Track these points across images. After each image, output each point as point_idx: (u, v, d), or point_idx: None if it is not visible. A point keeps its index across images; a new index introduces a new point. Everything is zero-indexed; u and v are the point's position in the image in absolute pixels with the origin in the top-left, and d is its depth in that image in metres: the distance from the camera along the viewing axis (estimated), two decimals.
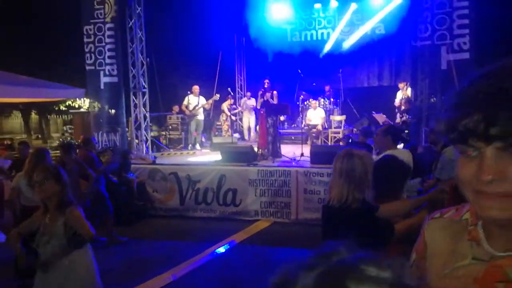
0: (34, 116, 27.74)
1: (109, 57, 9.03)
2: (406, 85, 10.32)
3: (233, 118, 12.42)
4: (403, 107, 10.37)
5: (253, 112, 12.62)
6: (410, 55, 7.49)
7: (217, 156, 8.77)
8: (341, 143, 8.01)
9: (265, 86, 9.25)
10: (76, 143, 14.21)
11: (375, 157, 3.69)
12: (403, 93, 10.44)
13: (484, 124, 0.65)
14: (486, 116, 0.65)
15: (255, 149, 8.85)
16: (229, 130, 12.25)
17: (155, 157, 9.31)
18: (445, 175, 4.05)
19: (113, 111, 9.61)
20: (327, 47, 13.51)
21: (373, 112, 10.79)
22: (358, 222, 2.26)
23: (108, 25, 8.95)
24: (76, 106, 22.67)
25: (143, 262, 5.83)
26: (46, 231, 2.86)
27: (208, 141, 12.15)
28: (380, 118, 10.22)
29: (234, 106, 12.54)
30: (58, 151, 14.22)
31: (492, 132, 0.65)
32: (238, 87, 14.72)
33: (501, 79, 0.67)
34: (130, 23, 9.40)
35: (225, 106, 12.21)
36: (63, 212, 2.86)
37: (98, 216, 6.49)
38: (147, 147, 9.77)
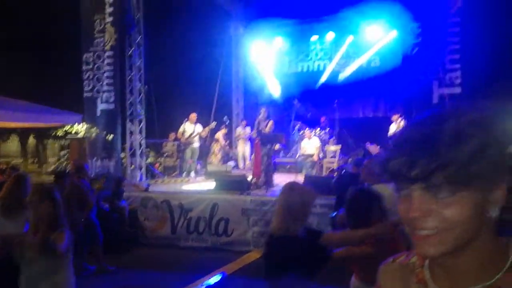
0: (31, 140, 27.74)
1: (107, 84, 9.13)
2: (400, 117, 10.40)
3: (227, 148, 12.40)
4: None
5: (248, 140, 12.66)
6: (404, 88, 7.59)
7: (211, 185, 8.73)
8: (335, 174, 7.99)
9: (261, 115, 9.29)
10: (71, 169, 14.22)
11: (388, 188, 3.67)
12: (397, 125, 10.50)
13: (407, 167, 0.72)
14: (408, 160, 0.72)
15: (249, 178, 8.83)
16: (222, 159, 12.22)
17: (148, 184, 9.26)
18: None
19: (110, 136, 9.63)
20: (323, 78, 13.70)
21: (368, 142, 10.83)
22: (295, 249, 2.42)
23: (107, 53, 9.09)
24: (73, 132, 22.74)
25: None
26: (32, 251, 2.85)
27: (203, 169, 12.12)
28: (374, 149, 10.25)
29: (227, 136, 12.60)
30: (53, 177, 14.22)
31: (413, 174, 0.72)
32: (235, 115, 14.80)
33: (424, 127, 0.75)
34: (130, 51, 9.55)
35: (220, 135, 12.21)
36: (52, 233, 2.86)
37: (88, 244, 6.42)
38: (141, 174, 9.74)
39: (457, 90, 6.48)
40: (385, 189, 3.80)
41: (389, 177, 0.77)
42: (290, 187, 2.67)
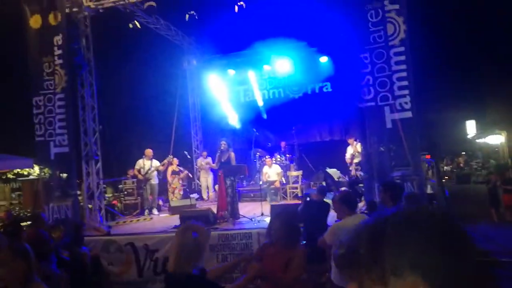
0: None
1: (59, 127, 8.82)
2: (355, 140, 10.77)
3: (178, 183, 12.12)
4: (355, 160, 10.74)
5: (210, 171, 12.60)
6: (357, 114, 7.88)
7: (175, 220, 8.57)
8: (299, 201, 8.08)
9: (222, 147, 9.30)
10: (26, 213, 13.50)
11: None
12: (353, 148, 10.86)
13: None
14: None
15: (214, 210, 8.76)
16: (178, 193, 11.96)
17: (109, 227, 8.94)
18: None
19: (64, 175, 9.26)
20: (279, 105, 13.97)
21: (327, 167, 11.08)
22: (189, 286, 2.69)
23: (58, 96, 8.82)
24: (25, 173, 21.67)
25: None
26: None
27: (166, 204, 11.89)
28: (335, 174, 10.50)
29: (181, 169, 12.35)
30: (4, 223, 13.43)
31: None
32: (194, 147, 14.74)
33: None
34: (82, 92, 9.34)
35: (169, 170, 11.94)
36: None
37: None
38: (101, 217, 9.40)
39: (408, 114, 6.79)
40: (354, 220, 3.94)
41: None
42: (185, 228, 2.85)
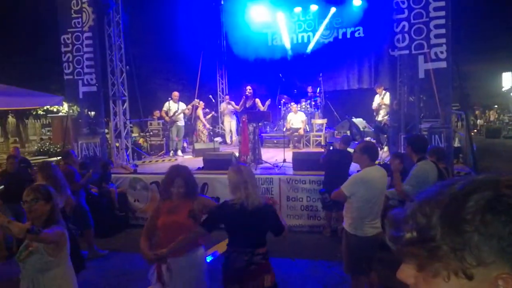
0: (11, 119, 27.15)
1: (87, 66, 8.87)
2: (384, 89, 10.45)
3: (208, 125, 12.26)
4: (382, 111, 10.50)
5: (234, 115, 12.63)
6: (388, 62, 7.57)
7: (199, 162, 8.74)
8: (322, 150, 8.06)
9: (247, 93, 9.23)
10: (56, 149, 14.04)
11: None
12: (381, 97, 10.56)
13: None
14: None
15: (237, 154, 8.86)
16: (206, 136, 12.12)
17: (136, 166, 9.21)
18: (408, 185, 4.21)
19: (92, 113, 9.46)
20: (308, 50, 13.59)
21: (353, 117, 10.91)
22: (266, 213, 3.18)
23: (86, 34, 8.78)
24: (55, 110, 22.28)
25: (124, 276, 5.78)
26: (29, 246, 2.88)
27: (190, 146, 12.10)
28: (360, 123, 10.33)
29: (207, 110, 12.40)
30: (36, 157, 14.05)
31: None
32: (219, 91, 14.69)
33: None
34: (109, 31, 9.27)
35: (200, 112, 12.06)
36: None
37: (79, 230, 6.43)
38: (127, 155, 9.66)
39: (443, 65, 6.48)
40: (374, 173, 3.90)
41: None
42: (240, 166, 3.33)
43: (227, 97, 13.07)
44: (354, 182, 3.92)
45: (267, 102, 9.51)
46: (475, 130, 25.11)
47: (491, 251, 0.65)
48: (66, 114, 10.14)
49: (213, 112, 12.58)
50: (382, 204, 4.04)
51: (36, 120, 30.31)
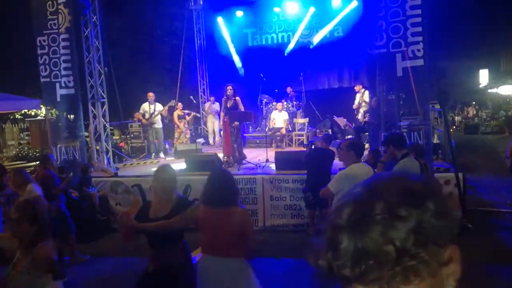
0: None
1: (64, 68, 8.70)
2: (363, 88, 10.56)
3: (184, 127, 11.91)
4: (362, 109, 10.62)
5: (218, 116, 12.57)
6: (367, 61, 7.66)
7: (182, 164, 8.67)
8: (304, 149, 8.10)
9: (228, 93, 9.20)
10: (35, 153, 13.75)
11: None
12: (361, 95, 10.68)
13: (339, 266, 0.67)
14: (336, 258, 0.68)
15: (220, 155, 8.82)
16: (181, 138, 11.81)
17: (117, 169, 9.10)
18: None
19: (71, 116, 9.29)
20: (288, 50, 13.64)
21: (334, 116, 10.99)
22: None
23: (62, 36, 8.61)
24: (33, 114, 21.80)
25: (107, 281, 5.71)
26: (17, 266, 2.82)
27: (172, 147, 11.99)
28: (341, 121, 10.42)
29: (187, 111, 12.17)
30: (15, 162, 13.74)
31: (345, 274, 0.66)
32: (201, 92, 14.61)
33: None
34: (86, 32, 9.13)
35: (175, 115, 11.82)
36: (33, 249, 2.81)
37: (60, 235, 6.31)
38: (108, 159, 9.53)
39: (420, 62, 6.58)
40: (360, 169, 3.94)
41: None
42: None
43: (212, 98, 12.98)
44: (340, 179, 3.95)
45: (239, 101, 9.38)
46: (454, 127, 25.61)
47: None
48: (44, 118, 9.94)
49: (194, 113, 12.46)
50: None
51: (13, 125, 29.59)
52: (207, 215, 3.22)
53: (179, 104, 11.79)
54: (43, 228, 2.88)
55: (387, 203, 0.67)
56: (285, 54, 13.60)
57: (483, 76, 32.28)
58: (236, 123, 8.83)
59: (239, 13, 13.75)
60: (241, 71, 13.86)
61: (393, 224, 0.64)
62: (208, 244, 3.23)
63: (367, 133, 9.33)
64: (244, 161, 8.84)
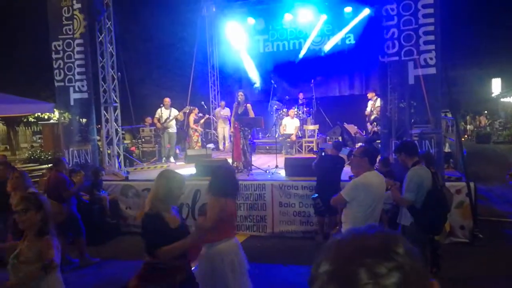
0: (1, 127, 26.92)
1: (78, 73, 8.83)
2: (376, 95, 10.55)
3: (200, 129, 12.14)
4: (373, 116, 10.59)
5: (228, 122, 12.64)
6: (379, 69, 7.65)
7: (192, 169, 8.72)
8: (314, 156, 8.09)
9: (239, 99, 9.25)
10: (47, 156, 13.95)
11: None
12: (373, 103, 10.66)
13: None
14: None
15: (230, 161, 8.85)
16: (199, 141, 12.02)
17: (127, 173, 9.17)
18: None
19: (84, 120, 9.42)
20: (299, 57, 13.67)
21: (345, 123, 10.98)
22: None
23: (77, 41, 8.76)
24: (46, 117, 22.12)
25: (116, 284, 5.73)
26: (21, 255, 2.87)
27: (183, 153, 12.07)
28: (352, 129, 10.40)
29: (200, 115, 12.31)
30: (27, 165, 13.93)
31: None
32: (212, 97, 14.70)
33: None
34: (100, 38, 9.27)
35: (191, 119, 11.96)
36: (40, 240, 2.89)
37: (70, 238, 6.38)
38: (119, 162, 9.62)
39: (432, 71, 6.56)
40: (374, 178, 3.92)
41: None
42: (160, 175, 3.21)
43: (223, 103, 13.06)
44: (355, 187, 3.88)
45: (249, 108, 9.44)
46: (466, 136, 25.36)
47: None
48: (57, 121, 10.09)
49: (207, 115, 12.56)
50: (381, 209, 4.07)
51: (27, 128, 30.06)
52: (233, 206, 3.77)
53: (195, 109, 11.90)
54: (47, 217, 2.97)
55: (367, 267, 0.69)
56: (296, 61, 13.63)
57: (496, 85, 31.96)
58: (249, 130, 8.88)
59: (251, 20, 13.84)
60: (254, 76, 13.90)
61: (383, 284, 0.68)
62: (232, 229, 3.85)
63: (378, 141, 9.28)
64: (253, 167, 8.85)
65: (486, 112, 30.95)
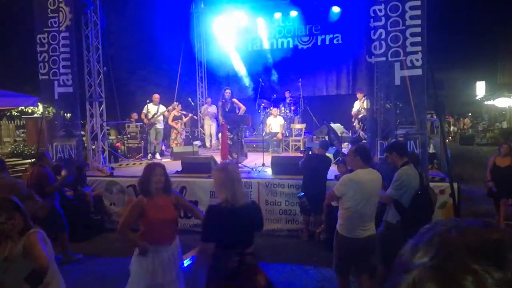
0: None
1: (63, 66, 8.69)
2: (364, 96, 10.63)
3: (181, 128, 11.91)
4: (361, 115, 10.66)
5: (214, 119, 12.60)
6: (366, 69, 7.70)
7: (178, 166, 8.66)
8: (301, 155, 8.11)
9: (226, 96, 9.22)
10: (30, 151, 13.74)
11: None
12: (361, 103, 10.73)
13: None
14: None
15: (217, 158, 8.82)
16: (178, 139, 11.80)
17: (112, 169, 9.07)
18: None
19: (68, 115, 9.28)
20: (288, 56, 13.70)
21: (332, 122, 11.04)
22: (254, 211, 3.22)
23: (62, 34, 8.61)
24: (29, 111, 21.74)
25: (99, 280, 5.68)
26: (8, 257, 2.81)
27: (169, 149, 11.98)
28: (338, 128, 10.46)
29: (184, 113, 12.15)
30: (10, 159, 13.69)
31: None
32: (199, 94, 14.63)
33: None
34: (86, 31, 9.14)
35: (170, 116, 11.70)
36: (23, 237, 2.84)
37: (53, 233, 6.28)
38: (104, 158, 9.50)
39: (418, 72, 6.62)
40: (365, 175, 3.98)
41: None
42: (228, 165, 3.31)
43: (209, 100, 13.02)
44: (344, 183, 4.01)
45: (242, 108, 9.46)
46: (450, 137, 25.72)
47: None
48: (41, 116, 9.91)
49: (191, 114, 12.46)
50: (375, 207, 4.11)
51: (10, 122, 29.49)
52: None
53: (179, 105, 11.79)
54: (25, 213, 2.93)
55: (475, 276, 0.64)
56: (285, 60, 13.65)
57: (480, 88, 32.50)
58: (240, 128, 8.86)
59: (240, 18, 13.78)
60: (242, 74, 13.87)
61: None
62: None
63: (364, 141, 9.36)
64: (240, 165, 8.84)
65: (470, 114, 31.45)
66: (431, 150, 9.02)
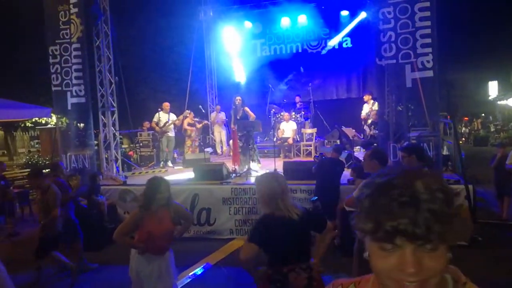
0: None
1: (76, 77, 8.82)
2: (372, 98, 10.57)
3: (194, 135, 11.99)
4: (370, 120, 10.60)
5: (224, 126, 12.64)
6: (376, 72, 7.66)
7: (190, 173, 8.70)
8: (314, 160, 8.08)
9: (236, 103, 9.25)
10: (45, 161, 13.93)
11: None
12: (369, 106, 10.67)
13: (412, 226, 0.80)
14: (411, 220, 0.80)
15: (228, 165, 8.84)
16: (194, 145, 11.92)
17: (125, 177, 9.14)
18: None
19: (81, 125, 9.40)
20: (296, 61, 13.71)
21: (343, 126, 10.99)
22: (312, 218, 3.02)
23: (74, 45, 8.75)
24: (43, 122, 22.07)
25: None
26: None
27: (181, 157, 12.05)
28: (350, 132, 10.40)
29: (197, 119, 12.25)
30: (24, 170, 13.88)
31: (418, 232, 0.80)
32: (209, 101, 14.70)
33: (408, 191, 0.83)
34: (97, 42, 9.27)
35: (185, 123, 11.89)
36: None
37: (68, 243, 6.34)
38: (117, 167, 9.59)
39: (429, 73, 6.57)
40: None
41: (384, 236, 0.83)
42: (275, 176, 3.09)
43: (218, 107, 13.08)
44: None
45: (250, 112, 9.44)
46: (463, 139, 25.43)
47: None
48: (54, 126, 10.05)
49: (205, 121, 12.54)
50: None
51: (24, 133, 29.99)
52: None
53: (191, 113, 11.88)
54: None
55: (423, 181, 0.85)
56: (294, 65, 13.66)
57: (493, 88, 32.10)
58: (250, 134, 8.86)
59: (248, 24, 13.88)
60: (252, 80, 13.92)
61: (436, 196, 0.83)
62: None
63: (375, 144, 9.29)
64: (252, 171, 8.84)
65: (483, 115, 31.07)
66: (445, 152, 8.92)
